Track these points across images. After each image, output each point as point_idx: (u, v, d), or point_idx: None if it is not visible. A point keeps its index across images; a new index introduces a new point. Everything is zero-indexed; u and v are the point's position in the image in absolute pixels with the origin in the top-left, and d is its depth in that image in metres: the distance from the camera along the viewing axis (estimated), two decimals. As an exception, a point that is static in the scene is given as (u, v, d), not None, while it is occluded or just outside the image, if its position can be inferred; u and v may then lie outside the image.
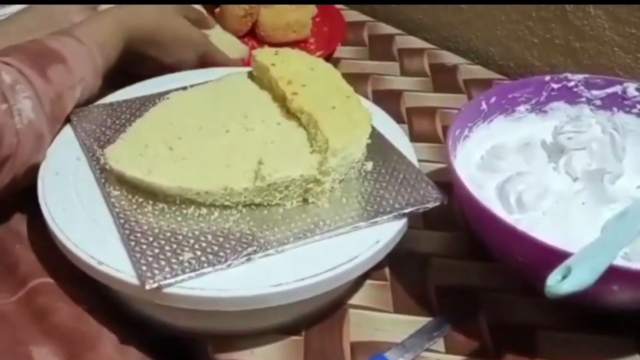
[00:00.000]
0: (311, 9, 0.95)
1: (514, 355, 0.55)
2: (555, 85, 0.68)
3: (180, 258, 0.50)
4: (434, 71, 0.89)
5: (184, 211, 0.55)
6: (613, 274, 0.47)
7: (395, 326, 0.56)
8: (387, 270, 0.61)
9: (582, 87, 0.67)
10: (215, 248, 0.52)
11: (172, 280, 0.49)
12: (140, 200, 0.56)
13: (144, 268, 0.50)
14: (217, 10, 0.92)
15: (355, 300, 0.59)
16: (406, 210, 0.56)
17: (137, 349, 0.55)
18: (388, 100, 0.81)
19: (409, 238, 0.60)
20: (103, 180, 0.57)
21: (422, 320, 0.57)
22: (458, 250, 0.63)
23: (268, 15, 0.91)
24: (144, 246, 0.51)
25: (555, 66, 0.87)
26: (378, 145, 0.63)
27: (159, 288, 0.49)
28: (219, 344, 0.55)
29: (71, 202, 0.56)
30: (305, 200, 0.57)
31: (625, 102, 0.67)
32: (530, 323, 0.57)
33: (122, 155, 0.57)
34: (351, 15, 1.01)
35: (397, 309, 0.58)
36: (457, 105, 0.81)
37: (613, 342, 0.56)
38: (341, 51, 0.92)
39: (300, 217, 0.55)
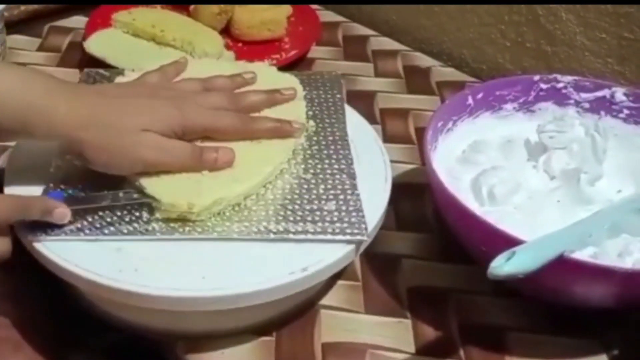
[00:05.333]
0: (286, 8, 0.94)
1: (483, 356, 0.55)
2: (544, 86, 0.68)
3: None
4: (408, 73, 0.89)
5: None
6: (574, 268, 0.49)
7: (367, 327, 0.56)
8: (359, 271, 0.61)
9: (571, 89, 0.68)
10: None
11: (53, 237, 0.51)
12: None
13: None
14: (191, 7, 0.91)
15: (326, 301, 0.58)
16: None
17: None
18: (362, 100, 0.82)
19: (382, 239, 0.60)
20: None
21: (394, 321, 0.57)
22: (430, 252, 0.63)
23: (243, 13, 0.90)
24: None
25: (526, 69, 0.88)
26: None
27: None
28: (188, 345, 0.54)
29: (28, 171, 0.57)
30: None
31: (613, 107, 0.67)
32: (501, 325, 0.57)
33: None
34: (326, 15, 1.00)
35: (369, 310, 0.58)
36: (430, 106, 0.81)
37: (581, 342, 0.56)
38: (315, 51, 0.92)
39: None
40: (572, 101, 0.68)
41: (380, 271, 0.61)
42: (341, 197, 0.57)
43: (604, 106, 0.68)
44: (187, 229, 0.53)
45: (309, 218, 0.54)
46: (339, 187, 0.58)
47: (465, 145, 0.65)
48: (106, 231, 0.52)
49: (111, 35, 0.86)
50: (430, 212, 0.67)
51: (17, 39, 0.88)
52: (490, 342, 0.56)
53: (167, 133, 0.54)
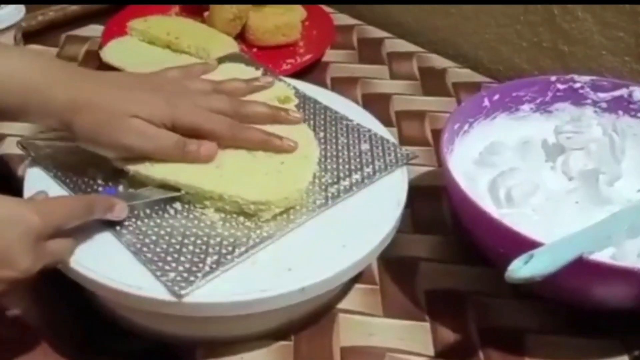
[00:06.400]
0: (300, 13, 0.95)
1: (503, 358, 0.55)
2: (561, 86, 0.68)
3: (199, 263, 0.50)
4: (423, 75, 0.89)
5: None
6: (593, 270, 0.49)
7: (385, 330, 0.56)
8: (376, 275, 0.61)
9: (588, 89, 0.68)
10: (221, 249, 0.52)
11: (202, 282, 0.49)
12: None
13: (175, 277, 0.49)
14: (206, 13, 0.92)
15: (344, 304, 0.58)
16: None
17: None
18: (377, 103, 0.81)
19: (399, 242, 0.60)
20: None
21: (413, 325, 0.57)
22: (448, 255, 0.63)
23: (257, 18, 0.91)
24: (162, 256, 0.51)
25: (543, 69, 0.87)
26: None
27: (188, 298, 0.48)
28: (207, 350, 0.54)
29: None
30: None
31: (631, 106, 0.67)
32: (520, 327, 0.57)
33: None
34: (340, 18, 1.01)
35: (387, 313, 0.58)
36: (446, 108, 0.81)
37: (601, 343, 0.56)
38: (330, 55, 0.92)
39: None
40: (589, 101, 0.68)
41: (398, 274, 0.61)
42: (362, 137, 0.63)
43: (621, 106, 0.67)
44: (298, 214, 0.55)
45: (364, 161, 0.61)
46: (351, 131, 0.64)
47: (482, 147, 0.65)
48: (236, 252, 0.51)
49: (127, 44, 0.87)
50: (447, 215, 0.67)
51: (35, 49, 0.89)
52: (510, 344, 0.56)
53: (156, 123, 0.55)
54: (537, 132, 0.66)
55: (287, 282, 0.50)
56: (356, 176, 0.59)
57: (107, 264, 0.51)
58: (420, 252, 0.63)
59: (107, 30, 0.90)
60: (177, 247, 0.51)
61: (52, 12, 0.94)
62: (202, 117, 0.57)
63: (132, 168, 0.55)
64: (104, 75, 0.57)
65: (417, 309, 0.58)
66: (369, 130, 0.64)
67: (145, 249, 0.51)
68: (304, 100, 0.67)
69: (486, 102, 0.66)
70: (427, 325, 0.57)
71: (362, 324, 0.57)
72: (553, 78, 0.68)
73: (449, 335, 0.56)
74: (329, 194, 0.57)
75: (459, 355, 0.55)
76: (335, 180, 0.58)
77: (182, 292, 0.48)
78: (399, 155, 0.62)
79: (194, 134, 0.56)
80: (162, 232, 0.53)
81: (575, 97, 0.68)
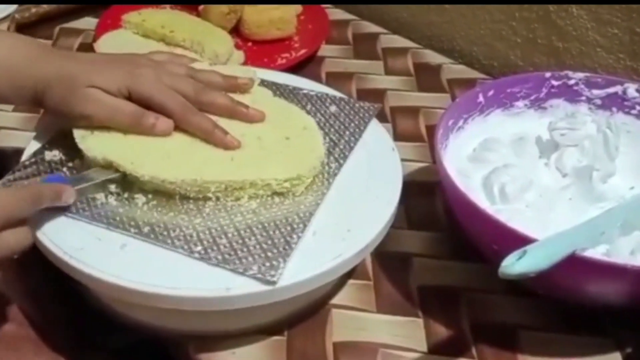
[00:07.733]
0: (295, 7, 0.94)
1: (495, 354, 0.55)
2: (555, 83, 0.68)
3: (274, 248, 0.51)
4: (418, 70, 0.89)
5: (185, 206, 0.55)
6: (586, 266, 0.49)
7: (378, 326, 0.56)
8: (370, 270, 0.61)
9: (582, 86, 0.68)
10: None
11: (284, 265, 0.50)
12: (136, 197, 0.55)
13: (260, 267, 0.49)
14: (200, 7, 0.92)
15: (338, 300, 0.58)
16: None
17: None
18: (372, 99, 0.81)
19: (393, 238, 0.60)
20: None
21: (406, 320, 0.57)
22: (441, 251, 0.63)
23: (252, 12, 0.90)
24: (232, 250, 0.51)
25: (538, 66, 0.87)
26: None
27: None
28: (200, 345, 0.54)
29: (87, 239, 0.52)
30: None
31: (625, 103, 0.67)
32: (513, 323, 0.57)
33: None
34: (336, 13, 1.00)
35: (380, 309, 0.58)
36: (441, 104, 0.81)
37: (594, 340, 0.56)
38: (325, 50, 0.92)
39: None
40: (583, 98, 0.68)
41: (391, 270, 0.61)
42: (324, 101, 0.67)
43: (616, 102, 0.67)
44: (323, 180, 0.58)
45: (344, 122, 0.64)
46: (310, 98, 0.67)
47: (476, 143, 0.65)
48: (296, 228, 0.52)
49: (121, 36, 0.86)
50: (441, 211, 0.67)
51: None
52: (503, 340, 0.56)
53: (114, 92, 0.56)
54: (532, 128, 0.66)
55: (354, 242, 0.52)
56: (347, 135, 0.62)
57: (178, 276, 0.49)
58: (414, 248, 0.63)
59: (101, 23, 0.90)
60: (240, 241, 0.51)
61: (46, 5, 0.93)
62: (156, 89, 0.57)
63: (146, 173, 0.54)
64: (73, 53, 0.61)
65: (411, 305, 0.58)
66: (326, 94, 0.68)
67: (210, 250, 0.51)
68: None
69: (481, 98, 0.66)
70: (420, 321, 0.57)
71: (355, 320, 0.57)
72: (547, 74, 0.68)
73: (442, 331, 0.56)
74: (336, 156, 0.60)
75: (451, 351, 0.55)
76: (333, 144, 0.61)
77: (275, 278, 0.48)
78: (367, 108, 0.66)
79: (149, 107, 0.57)
80: (214, 233, 0.52)
81: (570, 94, 0.68)
